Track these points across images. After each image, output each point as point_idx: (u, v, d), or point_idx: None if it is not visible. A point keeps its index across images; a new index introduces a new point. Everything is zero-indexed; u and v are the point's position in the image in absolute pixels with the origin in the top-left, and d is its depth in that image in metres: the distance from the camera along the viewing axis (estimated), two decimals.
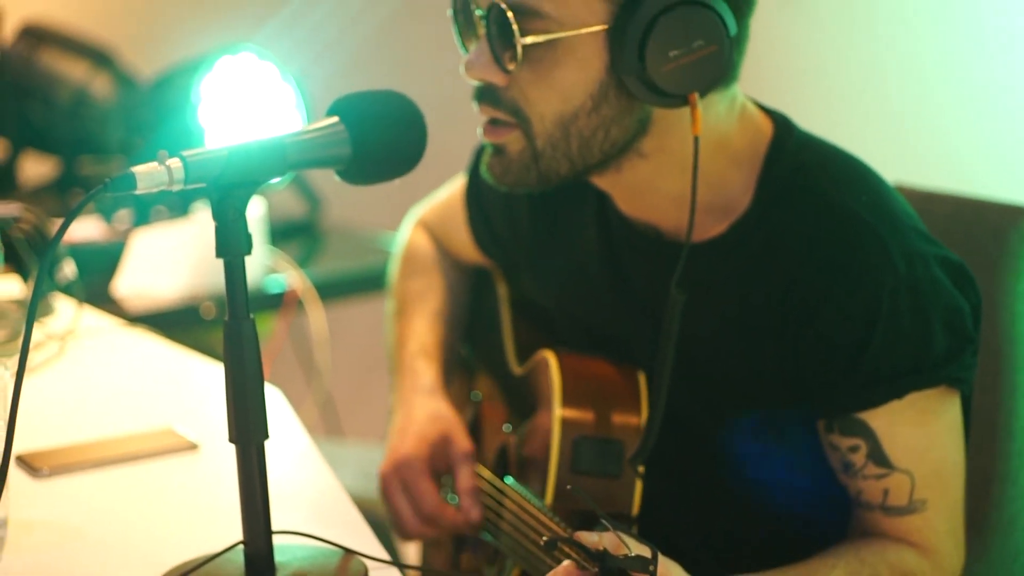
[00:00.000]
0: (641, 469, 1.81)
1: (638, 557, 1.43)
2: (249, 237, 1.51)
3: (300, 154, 1.52)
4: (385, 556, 1.63)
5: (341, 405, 3.73)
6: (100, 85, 3.57)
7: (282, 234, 3.38)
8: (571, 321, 1.99)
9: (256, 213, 3.09)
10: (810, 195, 1.77)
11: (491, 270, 2.19)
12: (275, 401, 2.07)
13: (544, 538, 1.66)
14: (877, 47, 3.42)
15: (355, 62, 4.04)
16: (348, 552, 1.62)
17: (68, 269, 2.52)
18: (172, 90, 3.43)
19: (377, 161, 1.56)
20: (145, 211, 3.27)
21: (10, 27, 3.64)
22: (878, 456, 1.73)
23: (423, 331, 2.19)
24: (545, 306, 2.06)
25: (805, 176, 1.78)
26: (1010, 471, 1.97)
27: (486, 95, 1.77)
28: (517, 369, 2.06)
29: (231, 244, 1.50)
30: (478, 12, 1.75)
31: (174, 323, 2.88)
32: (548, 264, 2.01)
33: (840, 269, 1.72)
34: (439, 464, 2.04)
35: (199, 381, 2.29)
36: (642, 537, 1.49)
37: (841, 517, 1.80)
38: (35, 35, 3.69)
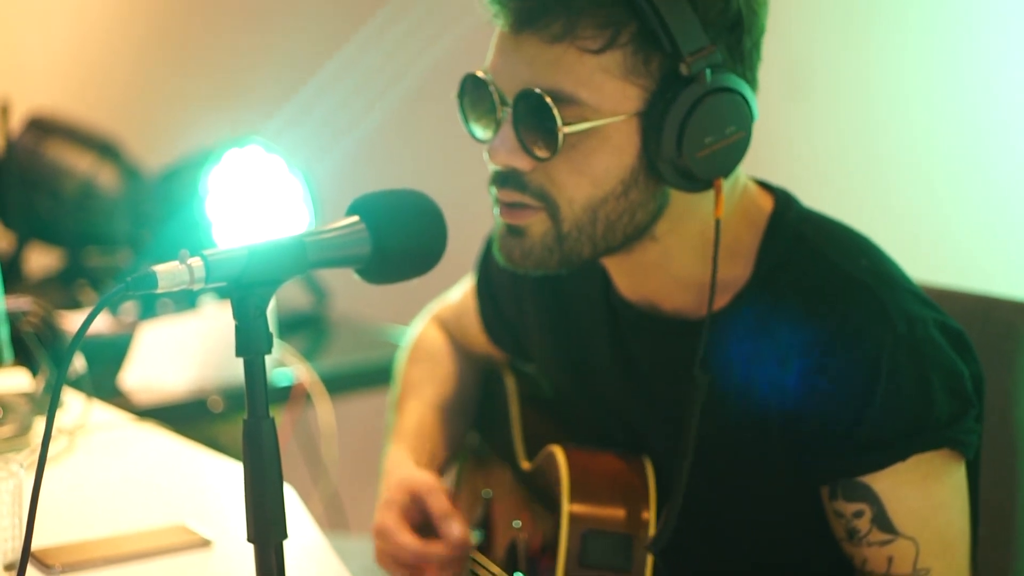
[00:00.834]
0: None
1: None
2: (269, 336, 1.50)
3: (320, 253, 1.51)
4: None
5: (347, 499, 3.71)
6: (106, 177, 3.59)
7: (289, 327, 3.37)
8: (579, 406, 2.00)
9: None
10: (809, 261, 1.79)
11: (501, 365, 2.19)
12: (287, 497, 2.06)
13: None
14: (882, 140, 3.43)
15: (362, 155, 4.05)
16: None
17: (78, 363, 2.51)
18: (179, 182, 3.45)
19: (397, 261, 1.55)
20: (152, 304, 3.27)
21: (17, 118, 3.65)
22: (882, 521, 1.73)
23: (409, 415, 2.19)
24: (554, 393, 2.06)
25: (804, 244, 1.80)
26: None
27: (510, 180, 1.76)
28: (525, 464, 2.06)
29: (251, 343, 1.49)
30: (497, 95, 1.75)
31: (182, 416, 2.87)
32: (556, 348, 2.01)
33: (839, 330, 1.73)
34: (415, 519, 2.04)
35: (210, 477, 2.28)
36: None
37: None
38: (42, 126, 3.71)
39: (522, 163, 1.74)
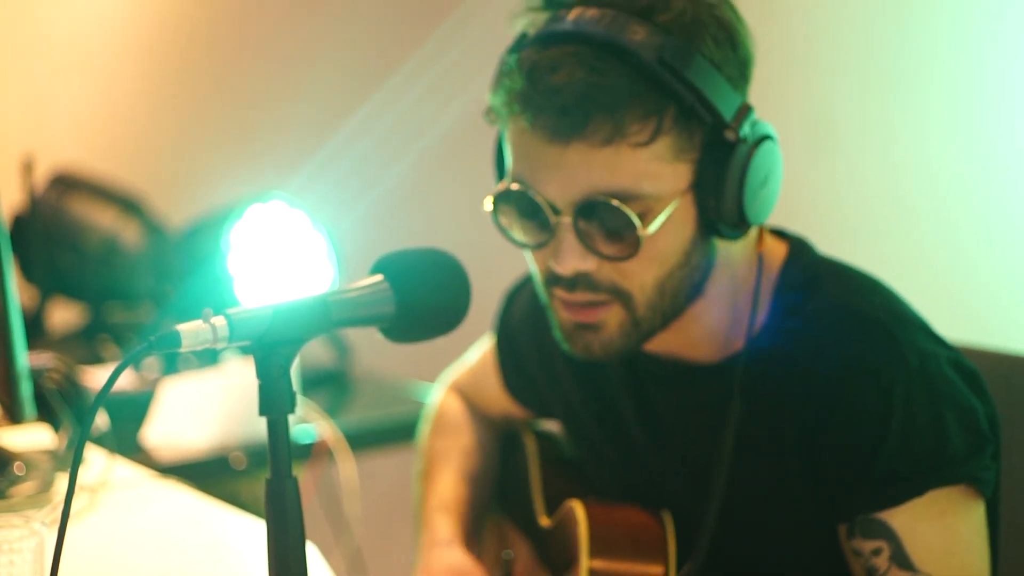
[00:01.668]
0: None
1: None
2: (293, 395, 1.50)
3: (344, 312, 1.51)
4: None
5: (369, 556, 3.69)
6: (129, 233, 3.59)
7: (312, 383, 3.37)
8: (601, 459, 2.01)
9: None
10: (822, 302, 1.81)
11: (519, 427, 2.19)
12: (311, 556, 2.05)
13: None
14: (906, 194, 3.43)
15: (385, 211, 4.06)
16: None
17: (100, 419, 2.51)
18: (202, 238, 3.45)
19: (421, 320, 1.55)
20: (174, 360, 3.26)
21: (40, 174, 3.66)
22: (901, 558, 1.72)
23: (445, 487, 2.19)
24: (576, 447, 2.06)
25: (818, 287, 1.83)
26: None
27: (580, 282, 1.77)
28: (545, 522, 2.05)
29: (275, 402, 1.49)
30: (547, 206, 1.75)
31: (204, 474, 2.87)
32: (581, 401, 2.02)
33: (853, 366, 1.75)
34: None
35: (233, 535, 2.27)
36: None
37: None
38: (65, 182, 3.72)
39: (591, 265, 1.76)
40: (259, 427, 2.94)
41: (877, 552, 1.73)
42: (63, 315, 3.78)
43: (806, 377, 1.77)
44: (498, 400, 2.20)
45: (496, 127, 1.81)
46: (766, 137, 1.75)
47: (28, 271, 3.63)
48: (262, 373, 1.49)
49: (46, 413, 2.47)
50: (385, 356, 3.64)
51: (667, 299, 1.78)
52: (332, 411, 3.22)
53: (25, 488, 2.31)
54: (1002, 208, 3.25)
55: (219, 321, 1.46)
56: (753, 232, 1.83)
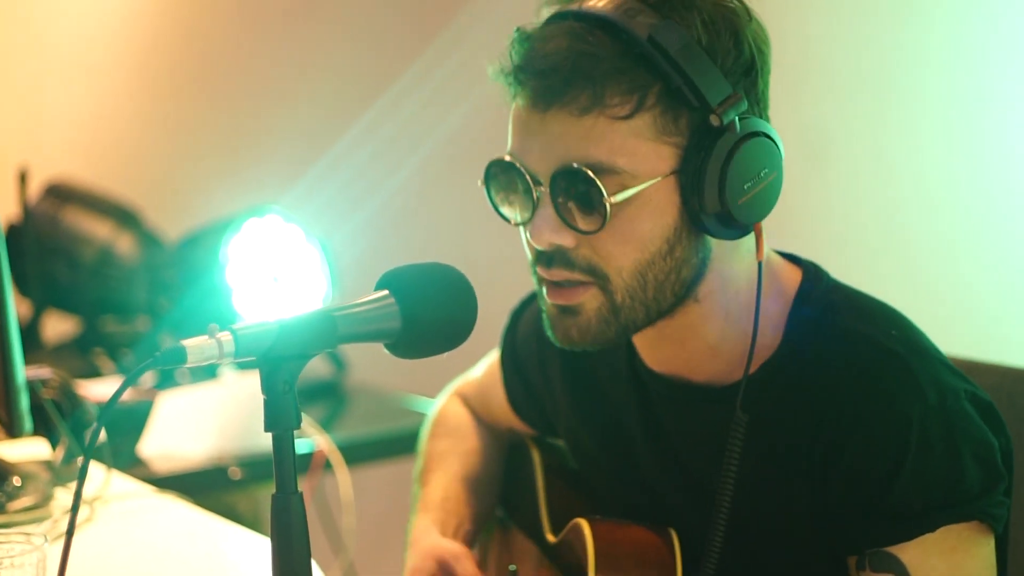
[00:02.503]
0: None
1: None
2: (299, 411, 1.50)
3: (350, 328, 1.51)
4: None
5: (363, 569, 3.69)
6: (124, 244, 3.59)
7: (308, 396, 3.36)
8: (606, 477, 2.00)
9: None
10: (839, 330, 1.79)
11: (525, 438, 2.18)
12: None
13: None
14: (900, 209, 3.43)
15: (379, 224, 4.06)
16: None
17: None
18: (198, 251, 3.45)
19: (428, 335, 1.55)
20: (170, 372, 3.26)
21: (35, 186, 3.65)
22: None
23: (434, 487, 2.19)
24: (581, 465, 2.06)
25: (834, 314, 1.80)
26: None
27: (556, 259, 1.76)
28: (551, 537, 2.05)
29: (280, 417, 1.49)
30: (529, 176, 1.75)
31: (201, 485, 2.86)
32: (583, 420, 2.01)
33: (869, 399, 1.73)
34: None
35: (231, 549, 2.26)
36: None
37: None
38: (59, 194, 3.71)
39: (567, 240, 1.74)
40: (255, 439, 2.94)
41: None
42: (57, 327, 3.77)
43: (821, 407, 1.75)
44: (503, 415, 2.19)
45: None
46: (762, 134, 1.73)
47: (22, 283, 3.62)
48: (267, 388, 1.49)
49: (43, 426, 2.46)
50: (380, 369, 3.64)
51: (649, 289, 1.75)
52: (328, 424, 3.22)
53: (23, 502, 2.30)
54: (995, 218, 3.26)
55: (225, 336, 1.46)
56: (750, 242, 1.79)
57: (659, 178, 1.71)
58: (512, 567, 2.15)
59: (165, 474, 2.89)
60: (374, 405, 3.52)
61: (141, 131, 4.23)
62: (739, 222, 1.73)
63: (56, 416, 2.45)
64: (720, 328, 1.81)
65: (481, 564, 2.20)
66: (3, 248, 2.19)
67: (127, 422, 3.04)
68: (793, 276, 1.85)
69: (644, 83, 1.70)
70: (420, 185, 4.12)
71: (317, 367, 3.56)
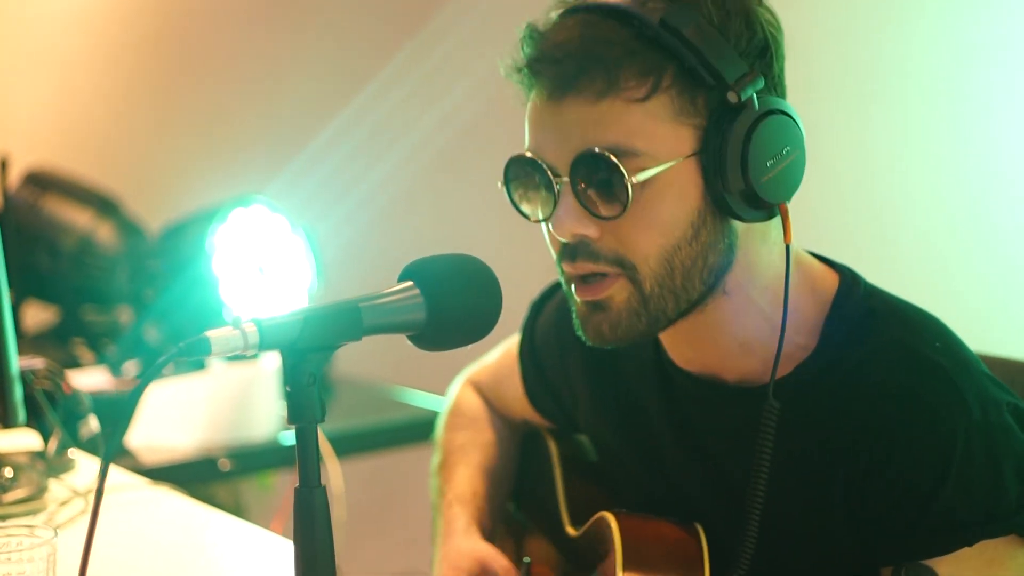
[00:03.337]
0: None
1: None
2: (323, 403, 1.48)
3: (375, 319, 1.49)
4: None
5: (352, 561, 3.67)
6: (105, 233, 3.57)
7: None
8: (628, 471, 1.98)
9: (271, 366, 3.07)
10: (882, 339, 1.76)
11: (542, 430, 2.17)
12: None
13: None
14: (886, 205, 3.43)
15: (365, 214, 4.04)
16: None
17: (92, 424, 2.48)
18: (183, 240, 3.42)
19: (452, 327, 1.52)
20: (158, 366, 3.23)
21: (15, 173, 3.63)
22: None
23: (462, 480, 2.18)
24: (601, 459, 2.04)
25: (875, 321, 1.78)
26: None
27: (582, 251, 1.73)
28: (571, 531, 2.04)
29: (304, 410, 1.47)
30: (548, 169, 1.73)
31: (191, 477, 2.84)
32: (606, 415, 1.99)
33: (914, 413, 1.70)
34: None
35: (227, 540, 2.25)
36: None
37: None
38: (39, 182, 3.69)
39: (590, 229, 1.72)
40: (243, 430, 2.92)
41: None
42: (35, 316, 3.74)
43: (862, 416, 1.73)
44: (519, 406, 2.18)
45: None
46: (782, 111, 1.71)
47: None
48: (292, 380, 1.47)
49: (34, 417, 2.44)
50: (365, 360, 3.62)
51: (677, 276, 1.72)
52: None
53: (16, 494, 2.28)
54: (984, 214, 3.26)
55: (249, 327, 1.43)
56: (778, 232, 1.76)
57: (679, 159, 1.69)
58: (526, 559, 2.14)
59: (154, 464, 2.88)
60: (360, 397, 3.50)
61: (121, 120, 4.20)
62: (763, 201, 1.70)
63: (47, 407, 2.42)
64: (752, 324, 1.78)
65: None
66: None
67: (113, 413, 3.02)
68: (828, 278, 1.83)
69: (659, 64, 1.68)
70: (406, 175, 4.11)
71: None
